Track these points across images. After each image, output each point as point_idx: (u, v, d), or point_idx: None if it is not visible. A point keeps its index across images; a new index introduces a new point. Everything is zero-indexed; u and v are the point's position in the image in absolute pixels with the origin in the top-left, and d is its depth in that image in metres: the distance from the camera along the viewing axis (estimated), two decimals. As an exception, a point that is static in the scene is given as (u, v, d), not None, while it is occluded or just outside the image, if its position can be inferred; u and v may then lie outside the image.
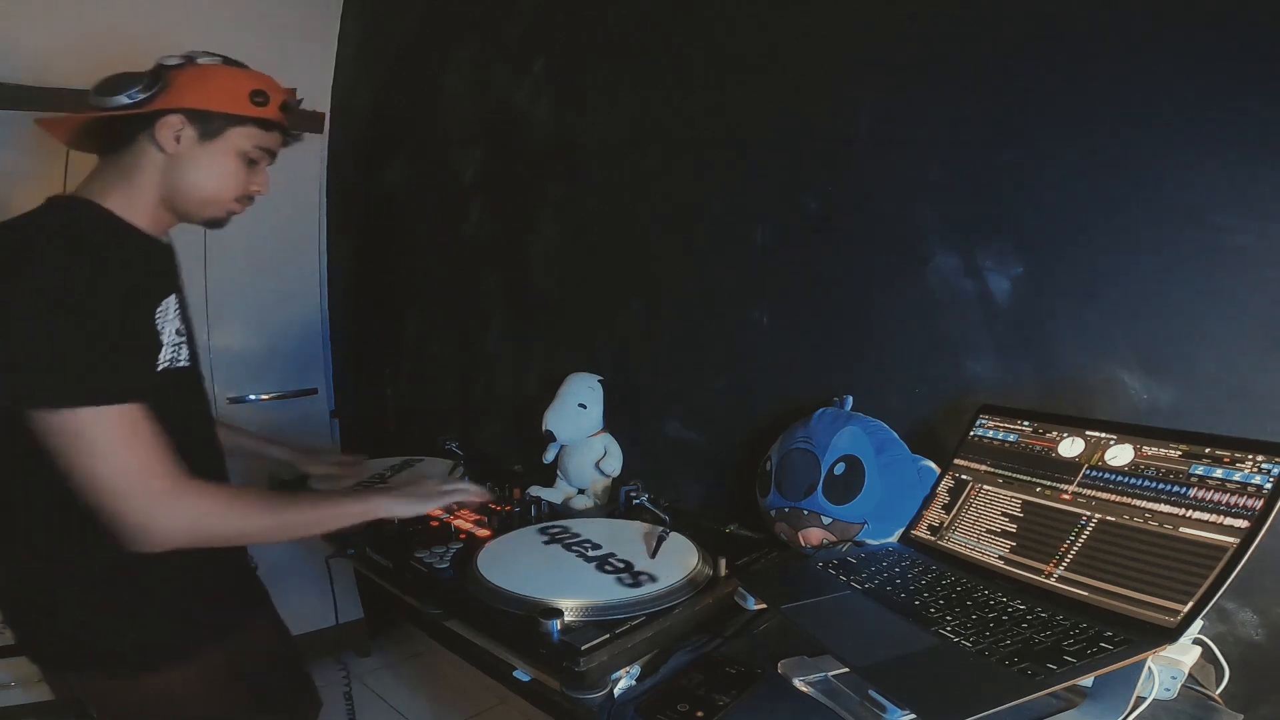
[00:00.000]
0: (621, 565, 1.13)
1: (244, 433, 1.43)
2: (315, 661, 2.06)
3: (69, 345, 0.83)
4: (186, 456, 1.00)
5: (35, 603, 0.98)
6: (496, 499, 1.33)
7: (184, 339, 1.04)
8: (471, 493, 1.22)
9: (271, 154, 1.08)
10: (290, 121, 1.07)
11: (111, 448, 0.85)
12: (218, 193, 1.02)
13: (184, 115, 0.97)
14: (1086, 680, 0.75)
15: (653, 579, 1.07)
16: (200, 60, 1.00)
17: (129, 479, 0.85)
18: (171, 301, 1.02)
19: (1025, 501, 0.93)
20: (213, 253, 2.06)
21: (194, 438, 1.06)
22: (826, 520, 1.13)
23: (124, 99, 0.94)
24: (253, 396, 2.19)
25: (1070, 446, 0.92)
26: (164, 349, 0.98)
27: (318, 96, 2.38)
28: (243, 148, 1.02)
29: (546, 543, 1.24)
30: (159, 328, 0.97)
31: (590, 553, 1.19)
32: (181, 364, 1.02)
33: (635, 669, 0.93)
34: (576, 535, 1.27)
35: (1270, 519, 0.72)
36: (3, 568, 0.99)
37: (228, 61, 1.02)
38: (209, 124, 0.99)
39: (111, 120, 0.96)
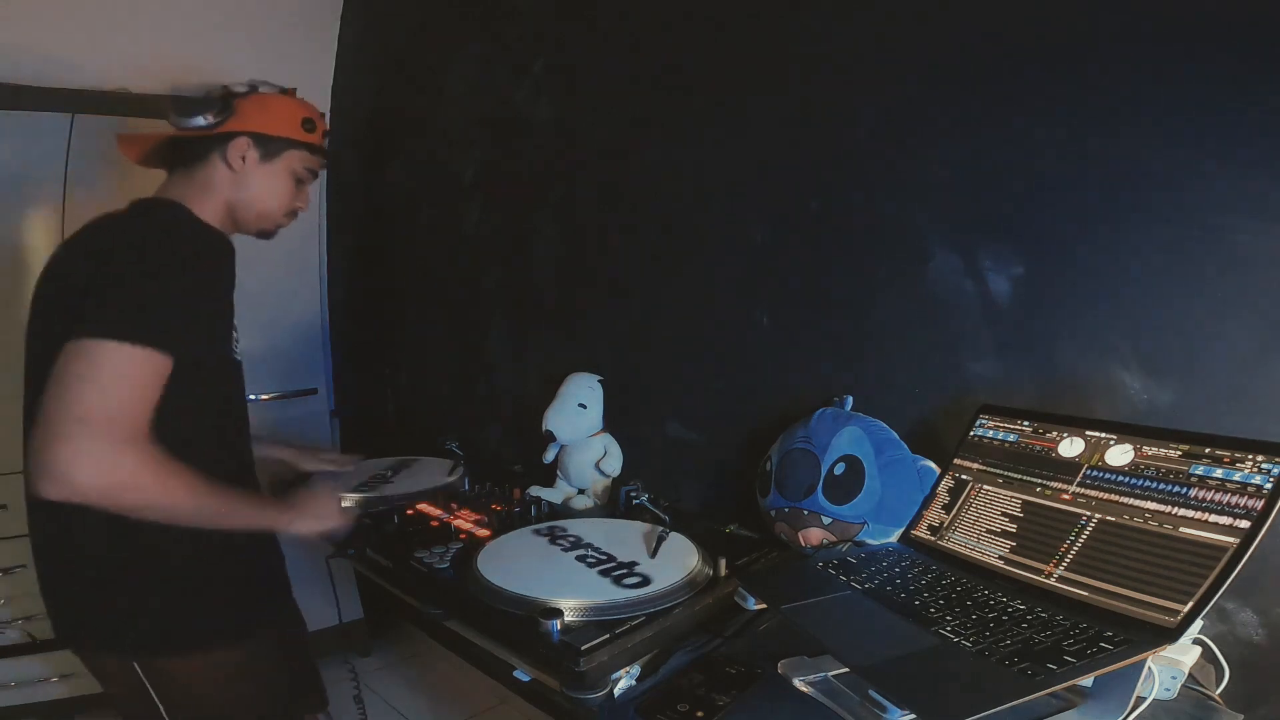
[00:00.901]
0: (621, 565, 1.13)
1: None
2: (322, 661, 2.07)
3: (169, 300, 0.92)
4: (233, 439, 1.15)
5: (92, 584, 1.01)
6: (504, 502, 1.33)
7: (237, 335, 1.12)
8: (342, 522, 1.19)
9: (315, 175, 1.21)
10: (327, 148, 1.22)
11: (101, 380, 0.85)
12: (273, 208, 1.16)
13: (250, 138, 1.10)
14: (1086, 680, 0.74)
15: (652, 579, 1.07)
16: (262, 89, 1.14)
17: (88, 412, 0.84)
18: (235, 298, 1.10)
19: (1025, 501, 0.93)
20: (213, 253, 2.06)
21: (241, 422, 1.17)
22: (826, 520, 1.13)
23: (201, 120, 1.08)
24: (253, 396, 2.15)
25: (1070, 446, 0.92)
26: (235, 340, 1.10)
27: (318, 96, 2.36)
28: (295, 168, 1.16)
29: (547, 542, 1.24)
30: (235, 318, 1.08)
31: (590, 553, 1.19)
32: (238, 355, 1.13)
33: (635, 669, 0.93)
34: (577, 535, 1.27)
35: (1270, 519, 0.72)
36: (54, 552, 1.03)
37: (283, 91, 1.16)
38: (269, 146, 1.12)
39: (185, 141, 1.09)
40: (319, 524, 1.12)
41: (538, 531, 1.30)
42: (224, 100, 1.10)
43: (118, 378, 0.86)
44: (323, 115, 1.20)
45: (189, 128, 1.08)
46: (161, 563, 1.01)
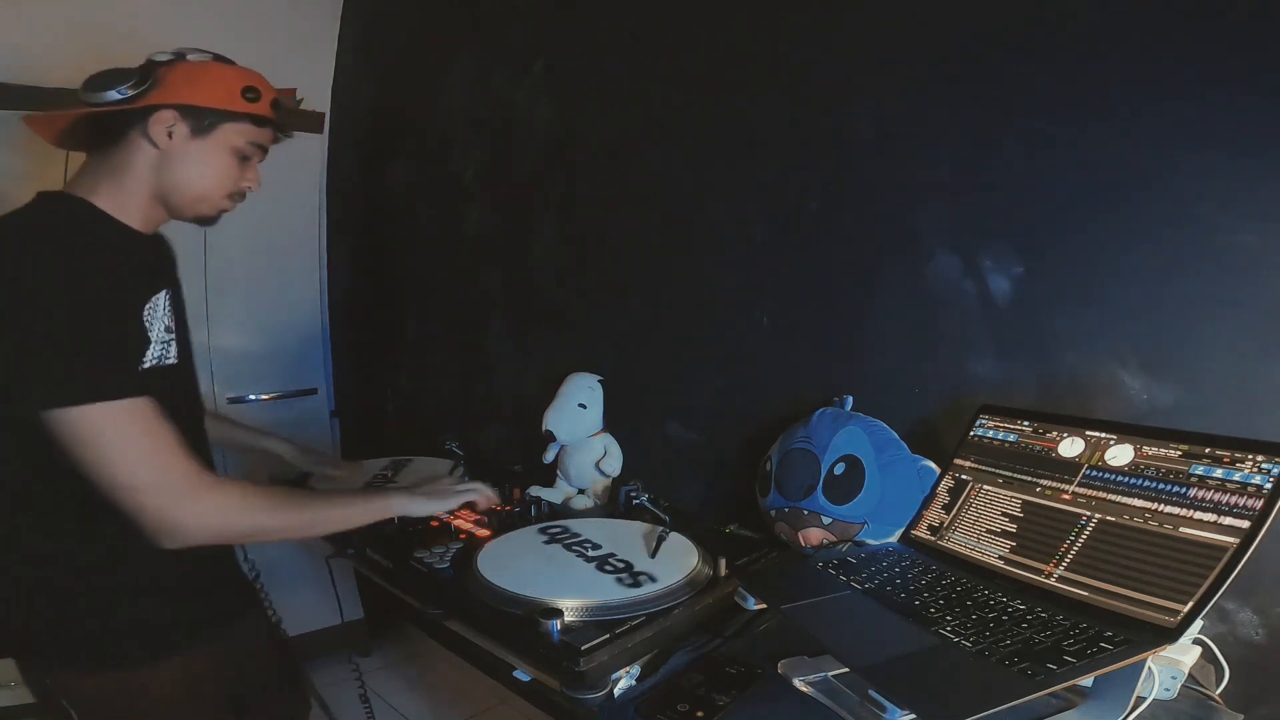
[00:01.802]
0: (621, 565, 1.13)
1: (239, 425, 1.42)
2: (321, 660, 2.07)
3: (63, 342, 0.83)
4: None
5: (21, 597, 0.97)
6: (502, 501, 1.34)
7: (173, 336, 1.03)
8: (483, 493, 1.24)
9: (263, 150, 1.07)
10: (282, 117, 1.07)
11: (128, 443, 0.85)
12: (210, 189, 1.02)
13: (177, 110, 0.97)
14: (1086, 680, 0.75)
15: (652, 579, 1.07)
16: (190, 57, 0.99)
17: (149, 474, 0.86)
18: (162, 298, 1.01)
19: (1025, 501, 0.93)
20: (213, 253, 2.06)
21: (192, 430, 1.06)
22: (826, 520, 1.13)
23: (114, 94, 0.93)
24: (253, 396, 2.19)
25: (1070, 446, 0.92)
26: (151, 346, 0.97)
27: (318, 96, 2.38)
28: (235, 143, 1.02)
29: (546, 542, 1.24)
30: (147, 325, 0.96)
31: (590, 553, 1.19)
32: (169, 361, 1.02)
33: (635, 669, 0.93)
34: (577, 535, 1.27)
35: (1270, 519, 0.72)
36: None
37: (218, 59, 1.02)
38: (201, 119, 0.98)
39: (100, 117, 0.96)
40: (436, 505, 1.13)
41: (538, 531, 1.30)
42: (144, 71, 0.96)
43: (129, 432, 0.85)
44: (287, 90, 1.10)
45: (103, 103, 0.93)
46: (79, 577, 0.96)
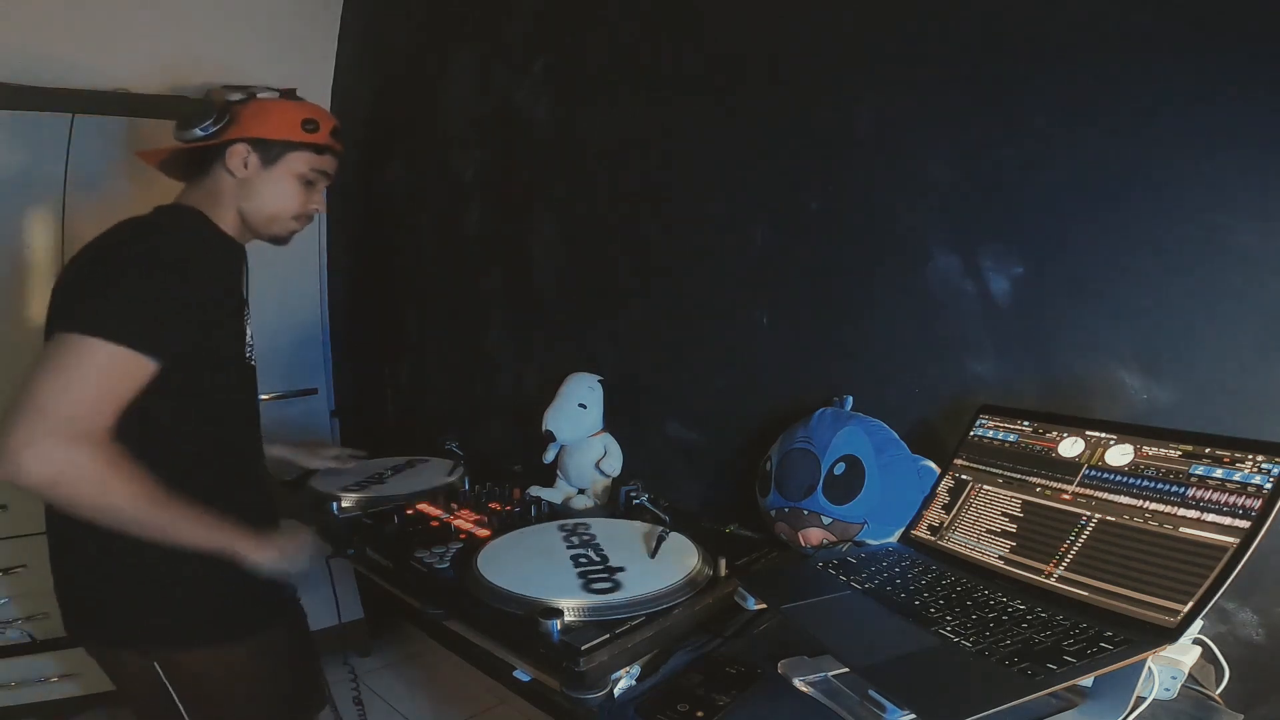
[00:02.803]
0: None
1: None
2: (322, 660, 2.07)
3: (154, 304, 0.94)
4: (256, 445, 1.19)
5: (107, 579, 1.03)
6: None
7: (253, 341, 1.16)
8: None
9: (327, 175, 1.20)
10: (340, 145, 1.20)
11: (71, 374, 0.88)
12: (279, 211, 1.15)
13: (248, 144, 1.11)
14: (1086, 680, 0.75)
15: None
16: (261, 95, 1.14)
17: (46, 399, 0.86)
18: (248, 305, 1.15)
19: (1025, 501, 0.93)
20: (213, 253, 2.06)
21: (254, 429, 1.19)
22: (826, 520, 1.13)
23: (198, 132, 1.09)
24: (253, 396, 2.19)
25: (1070, 446, 0.92)
26: (249, 346, 1.12)
27: (318, 96, 2.36)
28: (299, 170, 1.15)
29: (568, 544, 1.24)
30: (246, 324, 1.12)
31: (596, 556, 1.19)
32: (253, 361, 1.15)
33: (635, 669, 0.93)
34: (593, 536, 1.27)
35: (1270, 519, 0.72)
36: (68, 547, 1.05)
37: (284, 95, 1.16)
38: (269, 150, 1.12)
39: (193, 151, 1.11)
40: (281, 560, 1.06)
41: (558, 528, 1.29)
42: (222, 110, 1.11)
43: (88, 373, 0.88)
44: (330, 116, 1.20)
45: (189, 139, 1.10)
46: (172, 558, 1.00)
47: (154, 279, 0.95)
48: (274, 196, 1.14)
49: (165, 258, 0.98)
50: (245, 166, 1.11)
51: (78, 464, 0.87)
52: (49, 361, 0.88)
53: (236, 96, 1.13)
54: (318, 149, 1.17)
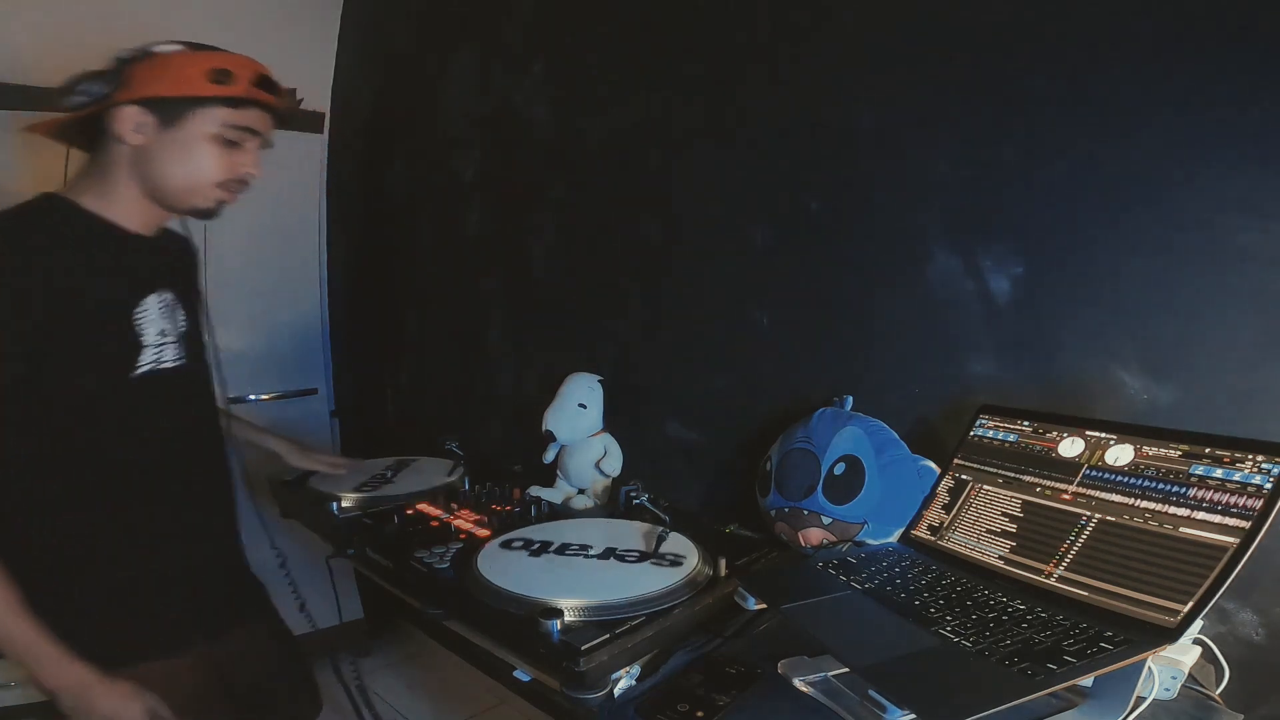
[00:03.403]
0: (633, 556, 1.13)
1: (239, 420, 1.40)
2: (323, 661, 2.07)
3: None
4: (176, 462, 1.03)
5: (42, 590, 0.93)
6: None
7: (170, 340, 1.01)
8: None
9: (256, 133, 1.02)
10: (265, 97, 1.01)
11: None
12: (193, 180, 0.98)
13: (140, 105, 0.94)
14: (1086, 680, 0.75)
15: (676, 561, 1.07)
16: (157, 49, 0.96)
17: None
18: (153, 301, 0.99)
19: (1025, 501, 0.93)
20: (213, 253, 2.05)
21: (186, 442, 1.05)
22: (826, 520, 1.13)
23: (81, 98, 0.92)
24: (253, 396, 2.19)
25: (1070, 446, 0.92)
26: (144, 351, 0.96)
27: (318, 96, 2.38)
28: (210, 130, 0.97)
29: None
30: (137, 330, 0.96)
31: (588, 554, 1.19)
32: (167, 365, 1.00)
33: (635, 669, 0.93)
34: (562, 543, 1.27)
35: (1270, 519, 0.72)
36: None
37: (191, 46, 0.97)
38: (167, 110, 0.95)
39: (85, 119, 0.95)
40: (76, 706, 0.91)
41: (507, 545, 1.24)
42: (110, 70, 0.94)
43: None
44: (253, 63, 1.00)
45: (71, 107, 0.93)
46: (74, 574, 0.94)
47: None
48: (181, 164, 0.97)
49: None
50: (139, 132, 0.94)
51: None
52: None
53: (128, 54, 0.95)
54: (233, 102, 0.98)
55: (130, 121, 0.94)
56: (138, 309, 0.96)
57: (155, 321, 0.99)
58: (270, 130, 1.05)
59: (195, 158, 0.97)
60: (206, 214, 1.03)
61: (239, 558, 1.18)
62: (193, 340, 1.07)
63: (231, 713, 1.09)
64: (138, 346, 0.95)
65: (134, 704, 0.92)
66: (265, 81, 1.00)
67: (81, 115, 0.94)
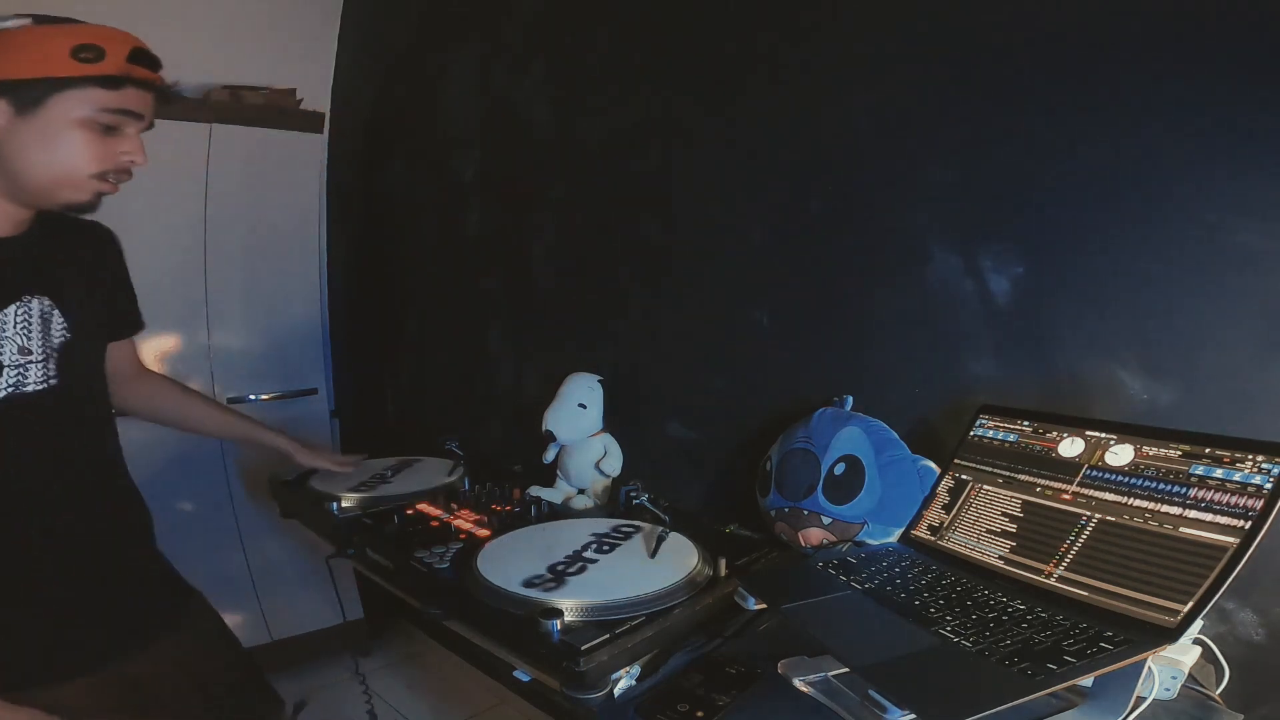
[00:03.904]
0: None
1: (237, 416, 1.41)
2: (322, 661, 2.07)
3: None
4: (51, 490, 0.93)
5: None
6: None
7: (34, 358, 0.89)
8: None
9: (135, 115, 0.90)
10: (153, 71, 0.90)
11: None
12: (62, 172, 0.87)
13: None
14: (1086, 680, 0.74)
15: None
16: (8, 24, 0.83)
17: None
18: (12, 313, 0.87)
19: (1025, 501, 0.93)
20: (213, 253, 2.06)
21: (62, 468, 0.95)
22: (826, 520, 1.13)
23: None
24: (253, 396, 2.19)
25: (1070, 446, 0.92)
26: (1, 373, 0.85)
27: (318, 96, 2.38)
28: (80, 114, 0.85)
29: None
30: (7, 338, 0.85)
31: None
32: (32, 387, 0.88)
33: (635, 669, 0.93)
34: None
35: (1270, 519, 0.72)
36: None
37: (42, 20, 0.85)
38: (24, 94, 0.83)
39: None
40: None
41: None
42: None
43: None
44: (129, 37, 0.88)
45: None
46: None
47: None
48: (45, 154, 0.85)
49: None
50: None
51: None
52: None
53: None
54: (106, 81, 0.85)
55: None
56: (26, 312, 0.87)
57: (12, 339, 0.87)
58: (152, 111, 0.92)
59: (62, 146, 0.85)
60: (84, 208, 0.91)
61: (155, 570, 1.10)
62: (68, 357, 0.93)
63: None
64: None
65: None
66: (143, 55, 0.88)
67: None
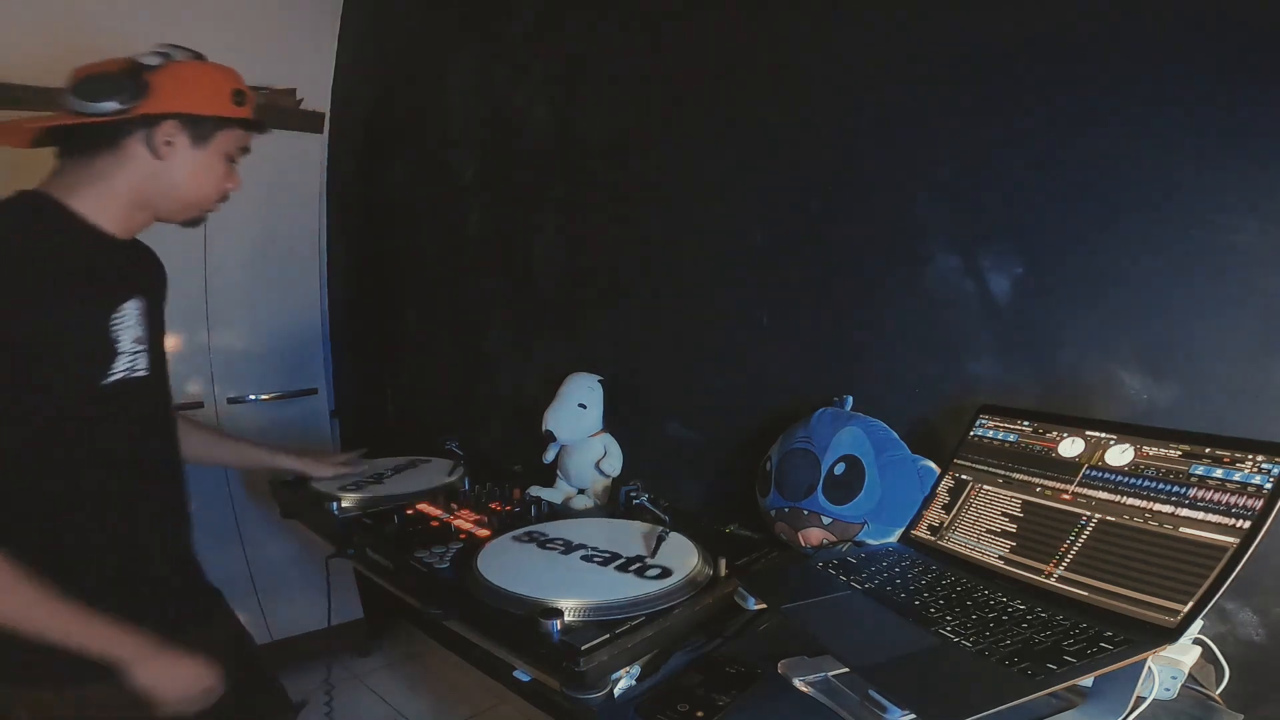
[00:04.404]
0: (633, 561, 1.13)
1: (250, 444, 1.42)
2: (322, 661, 2.07)
3: None
4: (135, 467, 0.99)
5: None
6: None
7: (143, 348, 0.99)
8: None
9: (247, 151, 1.06)
10: (265, 120, 1.06)
11: None
12: (204, 195, 1.01)
13: (178, 121, 0.95)
14: (1086, 680, 0.74)
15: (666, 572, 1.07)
16: (176, 57, 0.97)
17: None
18: (131, 307, 0.97)
19: (1025, 501, 0.93)
20: (213, 253, 2.06)
21: (144, 450, 1.02)
22: (826, 520, 1.13)
23: (113, 104, 0.90)
24: (253, 396, 2.19)
25: (1070, 446, 0.92)
26: (119, 358, 0.94)
27: (318, 96, 2.38)
28: (229, 150, 1.01)
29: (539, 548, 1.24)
30: (114, 336, 0.93)
31: (596, 555, 1.19)
32: (140, 373, 0.98)
33: (635, 669, 0.93)
34: (566, 541, 1.26)
35: (1270, 519, 0.72)
36: None
37: (198, 57, 0.99)
38: (200, 128, 0.97)
39: (88, 126, 0.92)
40: (180, 690, 0.92)
41: (517, 539, 1.26)
42: (135, 78, 0.92)
43: None
44: (248, 85, 1.03)
45: (99, 113, 0.90)
46: None
47: None
48: (199, 179, 0.99)
49: None
50: (170, 146, 0.95)
51: None
52: None
53: (151, 60, 0.94)
54: (248, 125, 1.02)
55: (167, 135, 0.95)
56: (115, 314, 0.94)
57: (131, 328, 0.97)
58: None
59: (212, 175, 1.01)
60: (194, 224, 1.05)
61: (191, 567, 1.13)
62: (157, 351, 1.04)
63: None
64: (113, 353, 0.93)
65: (208, 670, 0.94)
66: (258, 103, 1.05)
67: (102, 121, 0.91)
